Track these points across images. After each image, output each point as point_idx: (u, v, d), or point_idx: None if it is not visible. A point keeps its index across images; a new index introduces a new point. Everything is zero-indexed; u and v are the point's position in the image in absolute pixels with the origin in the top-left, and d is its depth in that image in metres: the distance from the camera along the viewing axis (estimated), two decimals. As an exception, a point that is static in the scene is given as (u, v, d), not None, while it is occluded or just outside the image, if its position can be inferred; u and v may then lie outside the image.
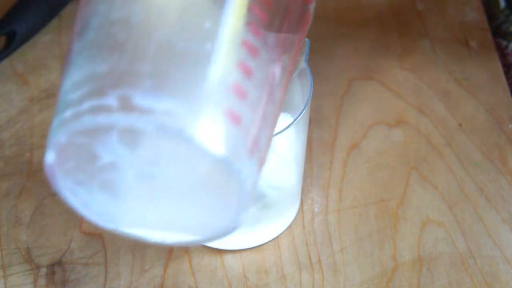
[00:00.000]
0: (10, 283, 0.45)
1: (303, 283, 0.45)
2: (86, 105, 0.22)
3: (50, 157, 0.23)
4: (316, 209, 0.49)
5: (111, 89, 0.22)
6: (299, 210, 0.49)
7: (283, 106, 0.50)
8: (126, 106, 0.22)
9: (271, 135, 0.25)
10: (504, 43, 0.63)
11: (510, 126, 0.54)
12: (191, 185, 0.23)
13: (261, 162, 0.24)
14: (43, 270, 0.45)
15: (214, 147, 0.22)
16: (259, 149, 0.23)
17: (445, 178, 0.51)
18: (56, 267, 0.46)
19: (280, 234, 0.47)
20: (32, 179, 0.51)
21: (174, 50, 0.23)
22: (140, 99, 0.22)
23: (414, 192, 0.50)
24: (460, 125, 0.54)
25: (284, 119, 0.48)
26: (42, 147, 0.53)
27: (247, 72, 0.23)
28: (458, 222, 0.48)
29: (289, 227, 0.48)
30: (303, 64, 0.41)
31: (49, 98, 0.57)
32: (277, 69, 0.24)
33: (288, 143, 0.47)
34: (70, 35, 0.27)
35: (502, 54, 0.62)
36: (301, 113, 0.39)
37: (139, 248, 0.46)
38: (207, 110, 0.22)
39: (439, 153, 0.52)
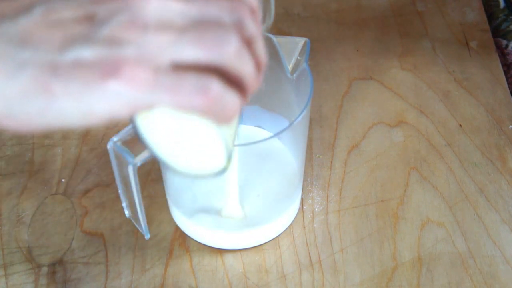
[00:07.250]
0: (12, 282, 0.45)
1: (303, 282, 0.45)
2: None
3: None
4: (316, 209, 0.49)
5: None
6: (299, 210, 0.49)
7: (278, 109, 0.50)
8: None
9: None
10: (504, 42, 0.63)
11: (510, 126, 0.54)
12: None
13: None
14: (44, 269, 0.46)
15: None
16: None
17: (445, 178, 0.51)
18: (57, 266, 0.46)
19: (280, 234, 0.47)
20: (34, 179, 0.51)
21: None
22: None
23: (414, 192, 0.50)
24: (460, 125, 0.55)
25: (281, 121, 0.48)
26: (43, 147, 0.53)
27: None
28: (458, 222, 0.48)
29: (289, 227, 0.48)
30: (303, 64, 0.41)
31: (50, 98, 0.57)
32: None
33: (287, 143, 0.47)
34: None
35: (502, 54, 0.62)
36: (301, 113, 0.39)
37: (139, 247, 0.47)
38: None
39: (439, 153, 0.52)
